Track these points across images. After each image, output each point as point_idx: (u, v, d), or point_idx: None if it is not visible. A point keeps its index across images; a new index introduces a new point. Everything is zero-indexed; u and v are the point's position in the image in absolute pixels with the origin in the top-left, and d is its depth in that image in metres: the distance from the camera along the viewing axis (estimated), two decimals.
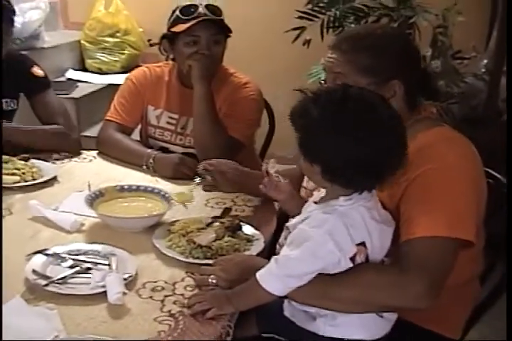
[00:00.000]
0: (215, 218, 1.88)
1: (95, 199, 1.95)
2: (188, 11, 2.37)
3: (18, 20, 3.10)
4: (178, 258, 1.69)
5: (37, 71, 2.59)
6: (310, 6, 3.43)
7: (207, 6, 2.37)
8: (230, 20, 2.41)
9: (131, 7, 4.06)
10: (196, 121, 2.38)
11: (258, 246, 1.77)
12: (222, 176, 2.14)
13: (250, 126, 2.48)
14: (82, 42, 4.08)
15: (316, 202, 1.56)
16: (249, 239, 1.80)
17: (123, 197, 2.02)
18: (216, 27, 2.36)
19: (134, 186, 2.05)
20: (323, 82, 1.78)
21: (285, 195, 1.81)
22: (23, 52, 2.89)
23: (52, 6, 4.02)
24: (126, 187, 2.04)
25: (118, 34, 4.05)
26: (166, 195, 1.99)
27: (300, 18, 3.44)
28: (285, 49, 3.78)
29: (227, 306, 1.48)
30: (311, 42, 3.39)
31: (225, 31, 2.40)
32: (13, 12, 2.47)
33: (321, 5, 3.42)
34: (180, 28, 2.35)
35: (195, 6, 2.36)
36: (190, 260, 1.69)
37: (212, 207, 2.08)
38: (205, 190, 2.18)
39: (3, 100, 2.52)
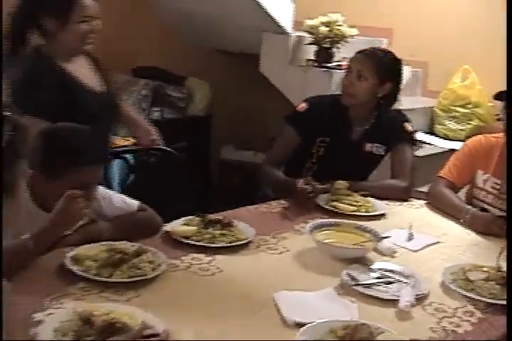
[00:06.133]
0: None
1: (329, 226, 2.36)
2: None
3: None
4: (453, 288, 2.02)
5: (407, 126, 3.04)
6: None
7: None
8: None
9: (486, 82, 4.38)
10: None
11: None
12: None
13: None
14: (435, 109, 4.52)
15: None
16: None
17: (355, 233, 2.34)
18: None
19: (369, 228, 2.34)
20: None
21: None
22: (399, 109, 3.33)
23: (415, 74, 4.53)
24: (363, 227, 2.36)
25: (469, 106, 4.41)
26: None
27: None
28: None
29: None
30: None
31: None
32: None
33: None
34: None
35: None
36: (461, 290, 2.00)
37: None
38: None
39: (375, 144, 2.98)
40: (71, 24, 2.59)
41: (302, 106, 2.97)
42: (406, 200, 2.92)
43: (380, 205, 2.75)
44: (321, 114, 2.93)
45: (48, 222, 1.95)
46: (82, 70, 2.75)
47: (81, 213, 2.00)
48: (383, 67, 2.88)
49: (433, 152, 4.18)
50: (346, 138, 2.96)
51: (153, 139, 2.94)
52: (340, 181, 2.75)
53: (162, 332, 1.53)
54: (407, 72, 4.27)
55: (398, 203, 2.88)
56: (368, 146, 2.98)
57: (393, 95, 2.99)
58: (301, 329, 1.65)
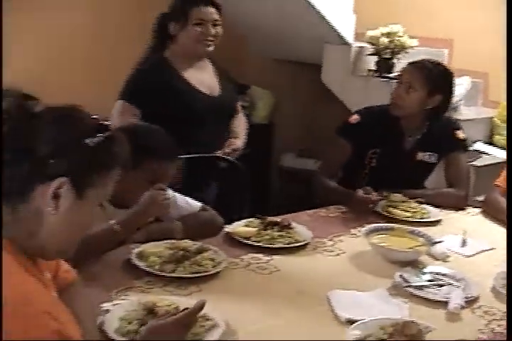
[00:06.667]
0: None
1: (384, 230, 2.44)
2: None
3: None
4: (503, 292, 2.06)
5: (460, 134, 3.07)
6: None
7: None
8: None
9: None
10: None
11: None
12: None
13: None
14: (495, 119, 4.52)
15: None
16: None
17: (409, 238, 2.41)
18: None
19: (422, 233, 2.41)
20: None
21: None
22: (452, 117, 3.37)
23: (476, 84, 4.55)
24: (416, 232, 2.43)
25: None
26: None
27: None
28: None
29: None
30: None
31: None
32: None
33: None
34: None
35: None
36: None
37: None
38: None
39: (427, 153, 3.01)
40: (188, 26, 2.90)
41: (354, 117, 3.01)
42: (463, 209, 2.97)
43: (435, 212, 2.81)
44: (372, 125, 2.97)
45: (136, 209, 2.13)
46: (199, 73, 3.01)
47: (166, 203, 2.19)
48: (433, 78, 2.88)
49: (492, 162, 4.18)
50: (399, 148, 3.00)
51: (227, 151, 3.00)
52: (396, 194, 2.81)
53: (197, 301, 1.61)
54: (467, 82, 4.31)
55: (453, 211, 2.93)
56: (421, 155, 3.02)
57: (443, 107, 2.98)
58: (353, 326, 1.73)
